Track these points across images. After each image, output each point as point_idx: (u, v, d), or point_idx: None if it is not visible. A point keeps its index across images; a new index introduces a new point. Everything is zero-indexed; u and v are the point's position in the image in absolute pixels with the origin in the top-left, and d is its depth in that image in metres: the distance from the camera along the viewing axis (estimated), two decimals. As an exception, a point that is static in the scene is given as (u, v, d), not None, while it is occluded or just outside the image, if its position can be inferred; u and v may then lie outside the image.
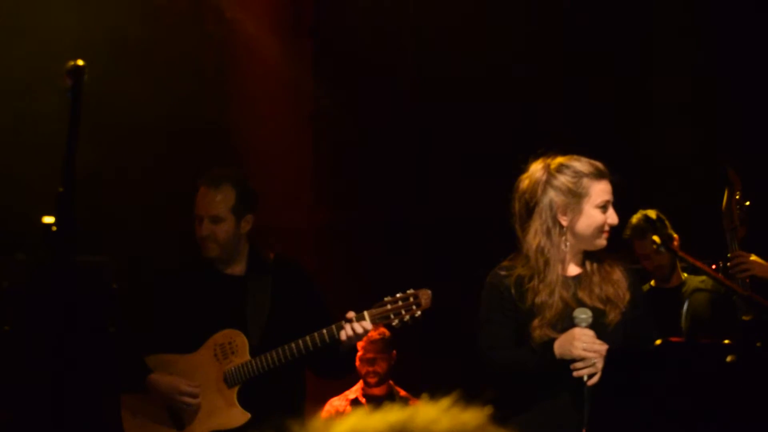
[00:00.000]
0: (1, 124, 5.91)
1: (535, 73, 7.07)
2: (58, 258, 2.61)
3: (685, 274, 5.73)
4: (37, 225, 2.60)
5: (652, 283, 5.78)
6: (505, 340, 3.89)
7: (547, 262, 3.87)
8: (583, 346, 3.69)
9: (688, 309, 5.57)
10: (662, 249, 5.28)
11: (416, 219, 7.43)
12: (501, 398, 3.84)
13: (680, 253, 5.28)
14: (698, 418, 3.13)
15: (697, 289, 5.65)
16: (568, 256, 3.91)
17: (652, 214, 5.58)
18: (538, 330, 3.81)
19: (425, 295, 4.27)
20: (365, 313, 4.29)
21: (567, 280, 3.90)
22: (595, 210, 3.86)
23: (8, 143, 5.92)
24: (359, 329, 4.27)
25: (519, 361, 3.84)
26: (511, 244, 4.00)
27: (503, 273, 3.94)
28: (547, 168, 3.90)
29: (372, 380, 6.40)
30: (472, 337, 3.98)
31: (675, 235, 5.58)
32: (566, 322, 3.78)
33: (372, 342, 6.35)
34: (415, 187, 7.47)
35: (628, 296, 3.91)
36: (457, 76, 7.13)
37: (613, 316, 3.85)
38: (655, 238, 5.12)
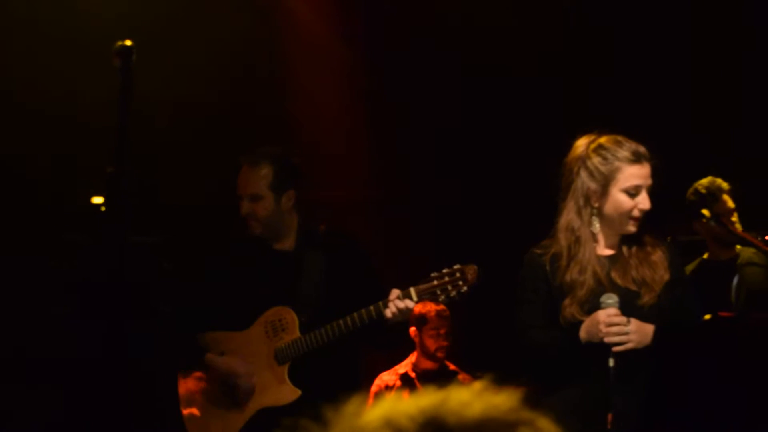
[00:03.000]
0: (54, 106, 5.97)
1: (584, 51, 6.99)
2: (109, 238, 2.64)
3: (739, 246, 5.64)
4: (88, 205, 2.62)
5: (705, 255, 5.71)
6: (538, 320, 3.87)
7: (577, 240, 3.84)
8: (607, 329, 3.65)
9: (739, 282, 5.49)
10: (712, 223, 5.21)
11: (468, 195, 7.41)
12: (533, 379, 3.83)
13: (730, 227, 5.20)
14: (747, 393, 3.10)
15: (751, 263, 5.57)
16: (601, 236, 3.88)
17: (702, 187, 5.46)
18: (569, 308, 3.79)
19: (471, 271, 4.24)
20: (411, 290, 4.28)
21: (601, 260, 3.86)
22: (622, 194, 3.80)
23: (60, 124, 5.98)
24: (402, 306, 4.27)
25: (549, 342, 3.83)
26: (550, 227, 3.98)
27: (539, 251, 3.93)
28: (587, 146, 3.88)
29: (442, 354, 6.43)
30: (510, 317, 3.97)
31: (731, 205, 5.45)
32: (595, 303, 3.75)
33: (444, 318, 6.38)
34: (468, 163, 7.44)
35: (666, 277, 3.84)
36: (508, 51, 7.06)
37: (647, 298, 3.80)
38: (705, 212, 5.05)
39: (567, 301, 3.80)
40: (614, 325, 3.66)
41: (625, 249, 3.89)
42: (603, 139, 3.87)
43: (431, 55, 7.29)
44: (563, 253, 3.85)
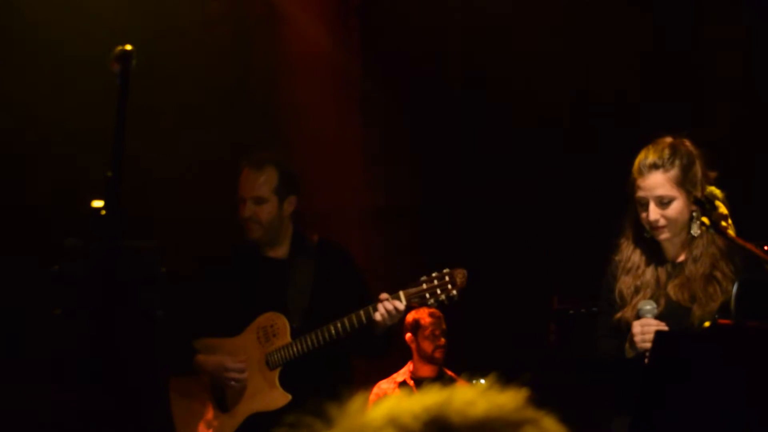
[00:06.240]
0: (52, 109, 5.97)
1: (579, 60, 7.01)
2: (106, 242, 2.63)
3: None
4: (87, 209, 2.62)
5: None
6: (606, 329, 3.82)
7: (628, 246, 3.81)
8: (642, 338, 3.57)
9: (737, 291, 5.48)
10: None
11: (460, 202, 7.42)
12: (605, 396, 3.77)
13: (729, 235, 5.20)
14: (747, 401, 3.10)
15: None
16: (663, 244, 3.81)
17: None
18: (623, 315, 3.73)
19: (460, 275, 4.28)
20: (401, 293, 4.32)
21: (661, 268, 3.80)
22: (637, 205, 3.78)
23: (59, 128, 5.97)
24: (391, 308, 4.29)
25: (610, 352, 3.76)
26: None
27: (617, 258, 3.88)
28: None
29: (440, 355, 6.42)
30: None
31: (724, 212, 5.45)
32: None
33: (437, 318, 6.39)
34: (460, 170, 7.45)
35: (730, 291, 3.73)
36: (504, 59, 7.08)
37: (699, 314, 3.69)
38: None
39: (627, 308, 3.74)
40: (648, 333, 3.55)
41: (690, 259, 3.82)
42: (648, 147, 3.80)
43: (431, 62, 7.30)
44: (623, 259, 3.82)
